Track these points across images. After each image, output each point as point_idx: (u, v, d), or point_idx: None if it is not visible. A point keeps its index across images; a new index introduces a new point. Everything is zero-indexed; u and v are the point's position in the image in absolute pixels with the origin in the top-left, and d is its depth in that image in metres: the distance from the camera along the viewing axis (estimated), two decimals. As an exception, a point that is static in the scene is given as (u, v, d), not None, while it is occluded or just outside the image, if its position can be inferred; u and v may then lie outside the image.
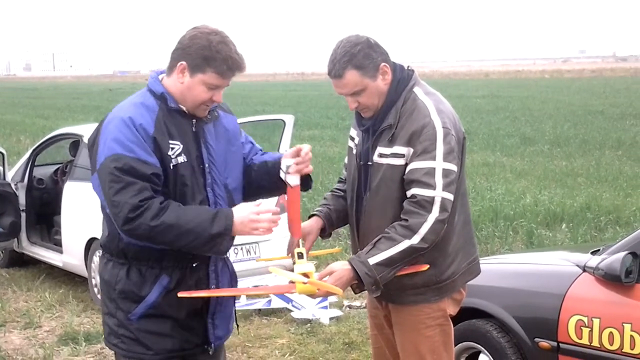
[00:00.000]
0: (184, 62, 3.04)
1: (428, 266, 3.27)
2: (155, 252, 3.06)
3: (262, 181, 3.36)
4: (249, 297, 7.13)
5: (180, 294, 3.09)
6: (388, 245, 3.14)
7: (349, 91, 3.26)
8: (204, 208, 3.06)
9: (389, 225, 3.19)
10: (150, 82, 3.15)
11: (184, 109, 3.10)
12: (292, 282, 3.12)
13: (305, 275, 3.08)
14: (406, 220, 3.15)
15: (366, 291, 3.30)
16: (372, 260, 3.13)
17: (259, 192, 3.43)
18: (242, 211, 3.04)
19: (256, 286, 6.61)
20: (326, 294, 3.18)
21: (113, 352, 3.27)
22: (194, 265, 3.16)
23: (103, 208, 3.10)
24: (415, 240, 3.12)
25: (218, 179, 3.20)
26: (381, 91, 3.28)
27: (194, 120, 3.14)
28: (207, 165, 3.16)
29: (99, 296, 6.44)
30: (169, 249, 3.04)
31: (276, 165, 3.31)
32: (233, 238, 3.10)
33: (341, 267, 3.17)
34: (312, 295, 3.15)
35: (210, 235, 2.96)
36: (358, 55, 3.20)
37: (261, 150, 3.49)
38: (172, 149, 3.05)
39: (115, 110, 3.10)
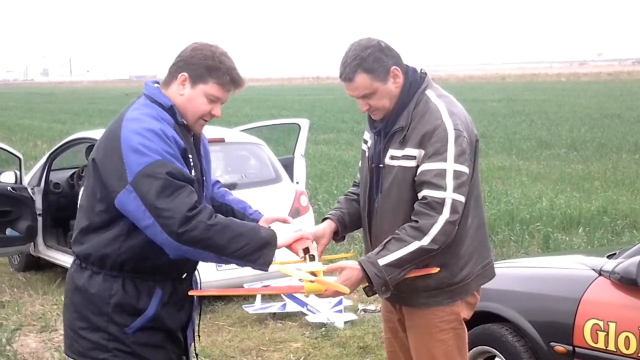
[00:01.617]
0: (185, 73, 3.04)
1: (438, 269, 3.26)
2: (152, 264, 3.04)
3: None
4: (263, 300, 7.14)
5: (191, 292, 3.16)
6: (398, 247, 3.13)
7: (359, 94, 3.26)
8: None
9: (400, 227, 3.19)
10: (155, 93, 3.09)
11: (186, 123, 3.10)
12: (300, 280, 3.12)
13: (313, 274, 3.07)
14: (416, 221, 3.15)
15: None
16: (382, 261, 3.12)
17: None
18: (283, 227, 3.18)
19: (266, 286, 6.61)
20: (334, 294, 3.14)
21: None
22: (183, 277, 3.20)
23: (109, 223, 3.00)
24: (425, 241, 3.12)
25: (207, 193, 3.29)
26: (392, 94, 3.27)
27: (192, 133, 3.17)
28: (204, 178, 3.22)
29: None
30: (163, 263, 3.02)
31: (245, 216, 3.34)
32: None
33: (351, 267, 3.17)
34: (320, 295, 3.13)
35: (260, 241, 2.96)
36: (368, 59, 3.20)
37: (218, 182, 3.53)
38: (190, 161, 3.08)
39: (131, 122, 2.96)
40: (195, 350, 3.55)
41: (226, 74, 3.04)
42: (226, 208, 3.39)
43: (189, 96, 3.05)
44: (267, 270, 3.10)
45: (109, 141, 2.97)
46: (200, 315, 3.48)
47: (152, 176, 2.84)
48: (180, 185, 2.87)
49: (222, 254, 2.93)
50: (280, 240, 3.06)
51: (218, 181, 3.53)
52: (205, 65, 3.02)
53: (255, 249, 2.96)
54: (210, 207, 2.96)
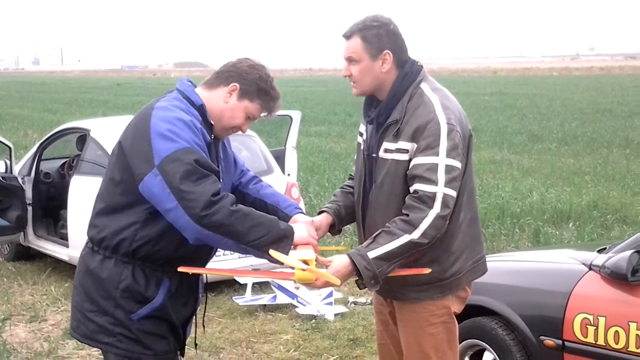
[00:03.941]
0: (237, 84, 3.15)
1: (430, 270, 3.25)
2: (164, 256, 3.09)
3: None
4: (253, 292, 7.14)
5: (181, 269, 3.12)
6: (388, 240, 3.12)
7: (346, 55, 3.30)
8: None
9: (390, 220, 3.18)
10: (188, 90, 3.17)
11: (212, 124, 3.18)
12: (291, 268, 3.10)
13: (305, 262, 3.05)
14: (407, 215, 3.13)
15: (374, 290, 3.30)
16: (372, 254, 3.11)
17: None
18: (300, 225, 3.22)
19: (256, 269, 6.59)
20: (324, 284, 3.12)
21: (100, 350, 3.25)
22: (191, 273, 3.23)
23: (125, 207, 3.06)
24: (416, 235, 3.11)
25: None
26: (376, 75, 3.28)
27: (212, 136, 3.21)
28: (221, 180, 3.24)
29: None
30: (174, 256, 3.09)
31: (278, 209, 3.43)
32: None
33: (340, 260, 3.16)
34: (310, 284, 3.11)
35: (279, 233, 3.01)
36: (371, 30, 3.24)
37: (252, 175, 3.59)
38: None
39: (161, 110, 3.03)
40: (195, 340, 3.60)
41: (272, 101, 3.22)
42: (260, 203, 3.44)
43: (233, 106, 3.17)
44: (282, 264, 3.11)
45: (138, 126, 3.04)
46: (205, 306, 3.55)
47: (179, 160, 2.90)
48: (206, 174, 2.93)
49: (241, 242, 2.97)
50: (296, 237, 3.09)
51: (255, 176, 3.59)
52: (257, 85, 3.17)
53: (273, 240, 3.00)
54: (232, 195, 3.01)
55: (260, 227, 2.97)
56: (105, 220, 3.14)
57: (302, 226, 3.21)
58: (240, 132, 3.31)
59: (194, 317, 3.47)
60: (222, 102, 3.17)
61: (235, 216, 2.92)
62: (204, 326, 3.64)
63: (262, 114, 3.25)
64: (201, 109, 3.13)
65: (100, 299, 3.12)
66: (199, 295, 3.38)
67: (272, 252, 3.01)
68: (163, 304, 3.14)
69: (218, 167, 3.23)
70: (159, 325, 3.17)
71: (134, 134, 3.05)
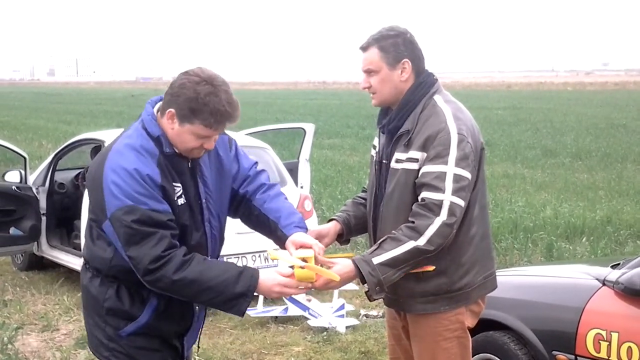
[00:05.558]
0: (172, 110, 2.95)
1: (434, 267, 3.23)
2: (139, 281, 2.99)
3: (258, 229, 3.37)
4: (265, 303, 7.14)
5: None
6: (393, 246, 3.12)
7: (365, 67, 3.32)
8: (229, 264, 3.00)
9: (397, 227, 3.18)
10: (147, 119, 3.03)
11: (177, 152, 3.04)
12: (291, 267, 3.06)
13: (304, 260, 3.03)
14: (413, 222, 3.14)
15: (380, 299, 3.29)
16: (376, 260, 3.11)
17: (252, 229, 3.44)
18: (269, 276, 3.00)
19: None
20: (325, 283, 3.08)
21: None
22: None
23: (99, 235, 3.05)
24: (421, 242, 3.10)
25: (214, 211, 3.20)
26: (395, 84, 3.29)
27: (190, 159, 3.09)
28: (204, 200, 3.14)
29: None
30: None
31: (278, 227, 3.25)
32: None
33: (345, 264, 3.15)
34: (311, 284, 3.07)
35: (232, 295, 2.93)
36: (388, 39, 3.27)
37: (262, 182, 3.37)
38: (175, 191, 3.02)
39: (114, 154, 2.96)
40: (197, 355, 3.58)
41: (211, 116, 2.91)
42: (263, 218, 3.29)
43: (178, 132, 2.97)
44: (242, 317, 3.14)
45: (97, 169, 2.98)
46: (203, 321, 3.45)
47: (120, 221, 2.87)
48: (148, 233, 2.87)
49: (193, 301, 3.05)
50: (261, 288, 2.98)
51: (264, 183, 3.36)
52: (189, 107, 2.91)
53: (225, 301, 2.95)
54: (180, 256, 2.89)
55: (210, 291, 2.90)
56: (87, 242, 3.16)
57: (268, 273, 3.02)
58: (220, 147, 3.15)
59: (201, 328, 3.41)
60: (170, 129, 2.98)
61: (177, 285, 2.88)
62: (198, 347, 3.60)
63: (216, 130, 2.96)
64: (158, 141, 2.98)
65: (94, 315, 3.16)
66: (195, 308, 3.25)
67: (270, 252, 3.04)
68: (149, 322, 3.10)
69: (197, 189, 3.11)
70: (149, 340, 3.15)
71: (93, 177, 2.99)
